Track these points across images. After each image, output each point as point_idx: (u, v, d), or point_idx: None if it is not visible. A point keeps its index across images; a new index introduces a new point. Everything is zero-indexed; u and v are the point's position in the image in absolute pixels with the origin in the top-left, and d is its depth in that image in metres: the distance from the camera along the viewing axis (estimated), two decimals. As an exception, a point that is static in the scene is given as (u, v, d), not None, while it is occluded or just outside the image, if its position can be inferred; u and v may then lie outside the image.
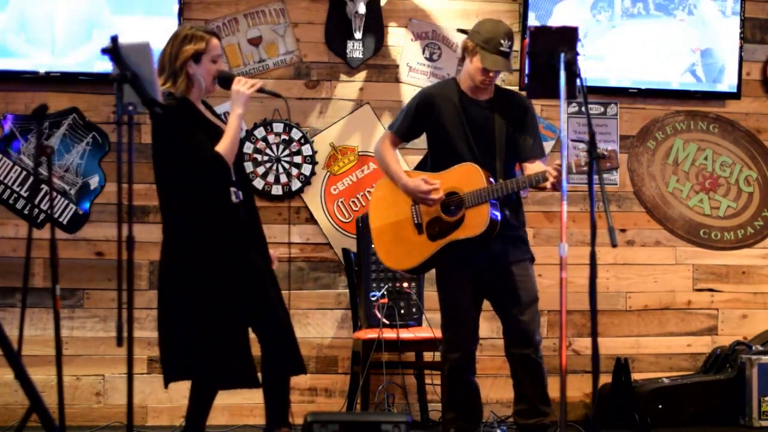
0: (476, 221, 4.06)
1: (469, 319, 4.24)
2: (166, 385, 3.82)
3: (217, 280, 3.74)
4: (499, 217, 4.06)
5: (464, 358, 4.24)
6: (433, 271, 5.01)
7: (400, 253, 4.27)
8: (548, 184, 3.97)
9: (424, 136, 4.35)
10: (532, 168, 4.12)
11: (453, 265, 4.19)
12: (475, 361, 4.30)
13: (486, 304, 4.33)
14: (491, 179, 4.08)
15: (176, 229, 3.79)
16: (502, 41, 4.08)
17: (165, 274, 3.81)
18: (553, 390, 5.33)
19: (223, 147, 3.76)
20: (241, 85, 3.84)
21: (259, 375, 3.85)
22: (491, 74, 4.12)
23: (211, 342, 3.72)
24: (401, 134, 4.31)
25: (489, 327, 5.15)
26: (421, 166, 4.39)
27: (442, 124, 4.19)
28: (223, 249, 3.76)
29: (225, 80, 3.89)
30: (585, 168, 3.81)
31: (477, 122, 4.17)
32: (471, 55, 4.14)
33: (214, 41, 3.85)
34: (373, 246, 4.42)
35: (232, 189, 3.83)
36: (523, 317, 4.16)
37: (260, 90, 3.91)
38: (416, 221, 4.22)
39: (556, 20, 5.46)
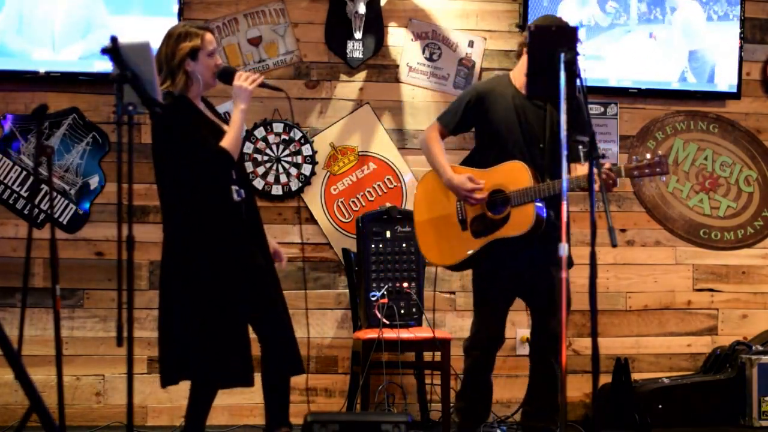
0: (521, 220, 4.03)
1: (499, 318, 4.24)
2: (163, 386, 3.82)
3: (218, 277, 3.74)
4: (545, 215, 4.03)
5: (486, 356, 4.25)
6: (432, 270, 5.02)
7: (443, 249, 4.27)
8: (596, 186, 3.94)
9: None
10: (580, 169, 4.08)
11: (493, 264, 4.17)
12: (494, 360, 4.30)
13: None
14: (538, 178, 4.05)
15: (176, 227, 3.80)
16: None
17: (165, 273, 3.82)
18: (553, 390, 5.35)
19: (228, 142, 3.77)
20: (243, 80, 3.84)
21: (257, 375, 3.86)
22: None
23: (210, 339, 3.71)
24: (450, 128, 4.28)
25: (489, 327, 5.15)
26: (468, 161, 4.34)
27: (493, 120, 4.17)
28: (223, 246, 3.76)
29: (226, 75, 3.89)
30: (634, 174, 3.82)
31: (529, 120, 4.15)
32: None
33: (209, 36, 3.86)
34: (416, 240, 4.42)
35: (234, 187, 3.83)
36: (553, 320, 4.12)
37: (262, 85, 3.92)
38: (460, 217, 4.21)
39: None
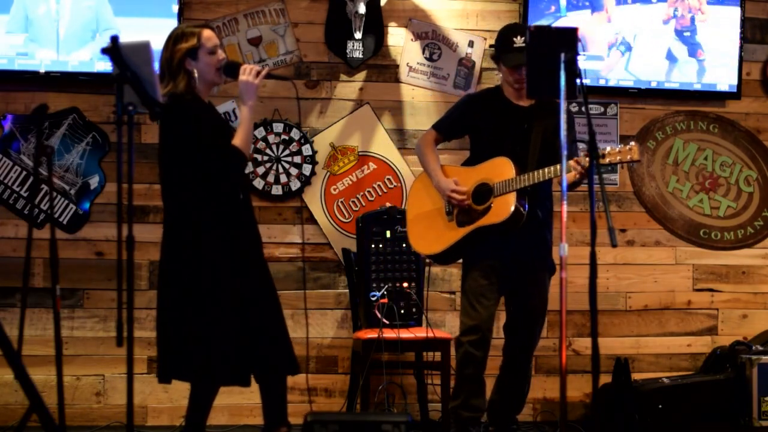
0: (501, 209, 4.20)
1: (489, 305, 4.32)
2: (160, 381, 3.81)
3: (217, 278, 3.74)
4: (525, 207, 4.20)
5: (480, 342, 4.29)
6: (432, 270, 5.05)
7: (430, 238, 4.44)
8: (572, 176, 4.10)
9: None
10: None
11: (479, 253, 4.33)
12: (488, 352, 4.34)
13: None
14: (521, 173, 4.21)
15: (180, 227, 3.79)
16: (514, 38, 4.29)
17: (164, 272, 3.81)
18: (553, 390, 5.34)
19: (240, 140, 3.78)
20: (248, 74, 3.82)
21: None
22: (517, 72, 4.28)
23: (208, 338, 3.71)
24: (444, 133, 4.54)
25: (489, 327, 5.14)
26: (467, 164, 4.52)
27: (483, 127, 4.39)
28: (224, 246, 3.77)
29: (231, 69, 3.87)
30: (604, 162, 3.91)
31: (516, 126, 4.33)
32: (498, 63, 4.39)
33: (206, 32, 3.85)
34: (406, 232, 4.61)
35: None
36: (528, 324, 4.35)
37: (268, 76, 3.90)
38: (448, 209, 4.39)
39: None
